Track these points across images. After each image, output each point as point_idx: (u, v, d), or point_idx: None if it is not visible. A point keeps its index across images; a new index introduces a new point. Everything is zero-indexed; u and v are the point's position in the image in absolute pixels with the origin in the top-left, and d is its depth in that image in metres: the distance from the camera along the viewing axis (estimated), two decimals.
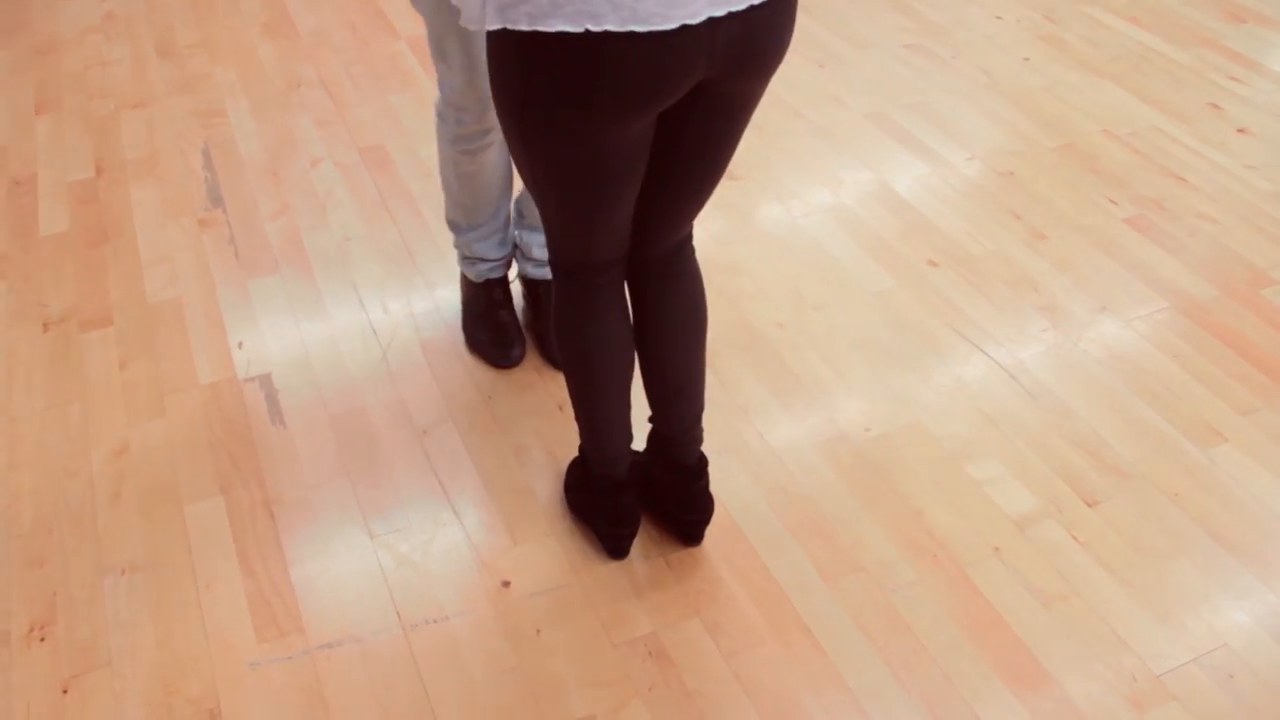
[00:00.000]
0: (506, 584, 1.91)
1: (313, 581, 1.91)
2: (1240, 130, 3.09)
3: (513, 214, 2.32)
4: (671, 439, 1.86)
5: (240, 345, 2.35)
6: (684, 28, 1.26)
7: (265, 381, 2.27)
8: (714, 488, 2.07)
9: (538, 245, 2.29)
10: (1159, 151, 2.97)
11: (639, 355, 1.78)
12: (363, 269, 2.55)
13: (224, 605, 1.87)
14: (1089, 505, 2.04)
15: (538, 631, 1.84)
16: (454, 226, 2.29)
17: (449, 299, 2.47)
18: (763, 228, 2.70)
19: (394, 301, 2.47)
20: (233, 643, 1.82)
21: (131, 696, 1.74)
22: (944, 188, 2.84)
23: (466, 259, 2.31)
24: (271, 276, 2.52)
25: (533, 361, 2.32)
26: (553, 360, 2.31)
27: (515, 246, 2.35)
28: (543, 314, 2.35)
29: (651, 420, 1.88)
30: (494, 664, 1.79)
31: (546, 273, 2.33)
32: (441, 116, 2.07)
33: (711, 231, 2.68)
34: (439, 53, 1.95)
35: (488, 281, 2.33)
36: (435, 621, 1.85)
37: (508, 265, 2.35)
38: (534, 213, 2.27)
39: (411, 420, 2.19)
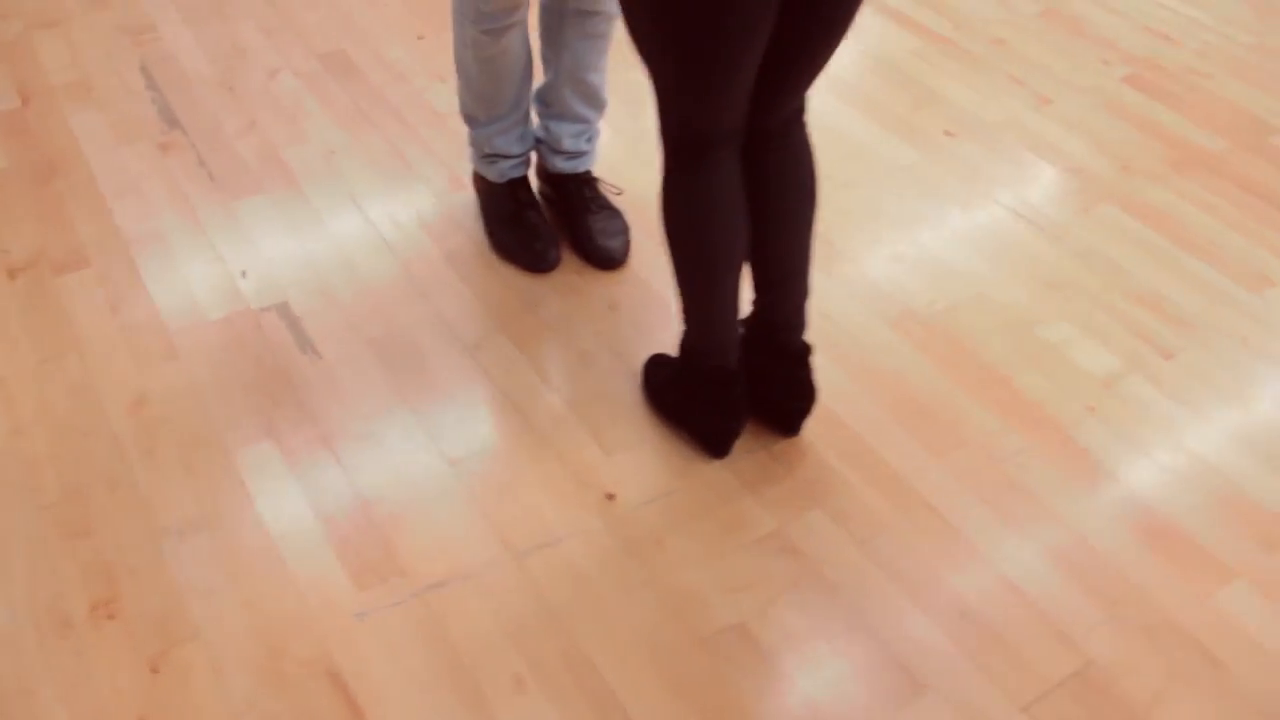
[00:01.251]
0: (611, 497, 1.79)
1: (399, 519, 1.75)
2: None
3: (534, 107, 2.15)
4: (778, 324, 1.76)
5: (244, 274, 2.12)
6: None
7: (283, 310, 2.06)
8: None
9: (569, 136, 2.13)
10: (1139, 12, 2.98)
11: (751, 235, 1.67)
12: (358, 181, 2.34)
13: (308, 556, 1.69)
14: (1165, 358, 2.04)
15: (659, 543, 1.73)
16: (471, 121, 2.11)
17: (463, 204, 2.29)
18: None
19: (401, 212, 2.27)
20: (331, 595, 1.65)
21: (233, 666, 1.56)
22: (942, 58, 2.78)
23: (486, 156, 2.13)
24: (258, 197, 2.28)
25: (570, 263, 2.17)
26: (594, 258, 2.16)
27: (537, 141, 2.18)
28: (574, 211, 2.19)
29: (755, 304, 1.77)
30: (623, 582, 1.68)
31: (577, 165, 2.17)
32: None
33: None
34: None
35: (510, 181, 2.16)
36: (547, 545, 1.72)
37: (528, 163, 2.18)
38: (562, 102, 2.10)
39: (457, 336, 2.02)
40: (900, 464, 1.85)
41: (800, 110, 1.61)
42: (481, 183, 2.20)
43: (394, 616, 1.63)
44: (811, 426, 1.89)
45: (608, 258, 2.14)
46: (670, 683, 1.56)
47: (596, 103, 2.12)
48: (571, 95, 2.08)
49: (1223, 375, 2.02)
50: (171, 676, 1.55)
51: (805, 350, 1.79)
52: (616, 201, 2.26)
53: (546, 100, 2.12)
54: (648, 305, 2.10)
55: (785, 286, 1.72)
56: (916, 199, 2.36)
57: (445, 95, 2.59)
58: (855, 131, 2.54)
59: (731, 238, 1.60)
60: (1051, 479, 1.83)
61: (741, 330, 1.79)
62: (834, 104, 2.63)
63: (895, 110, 2.60)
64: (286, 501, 1.76)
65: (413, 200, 2.30)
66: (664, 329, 2.05)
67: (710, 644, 1.60)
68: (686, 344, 1.79)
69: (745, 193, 1.62)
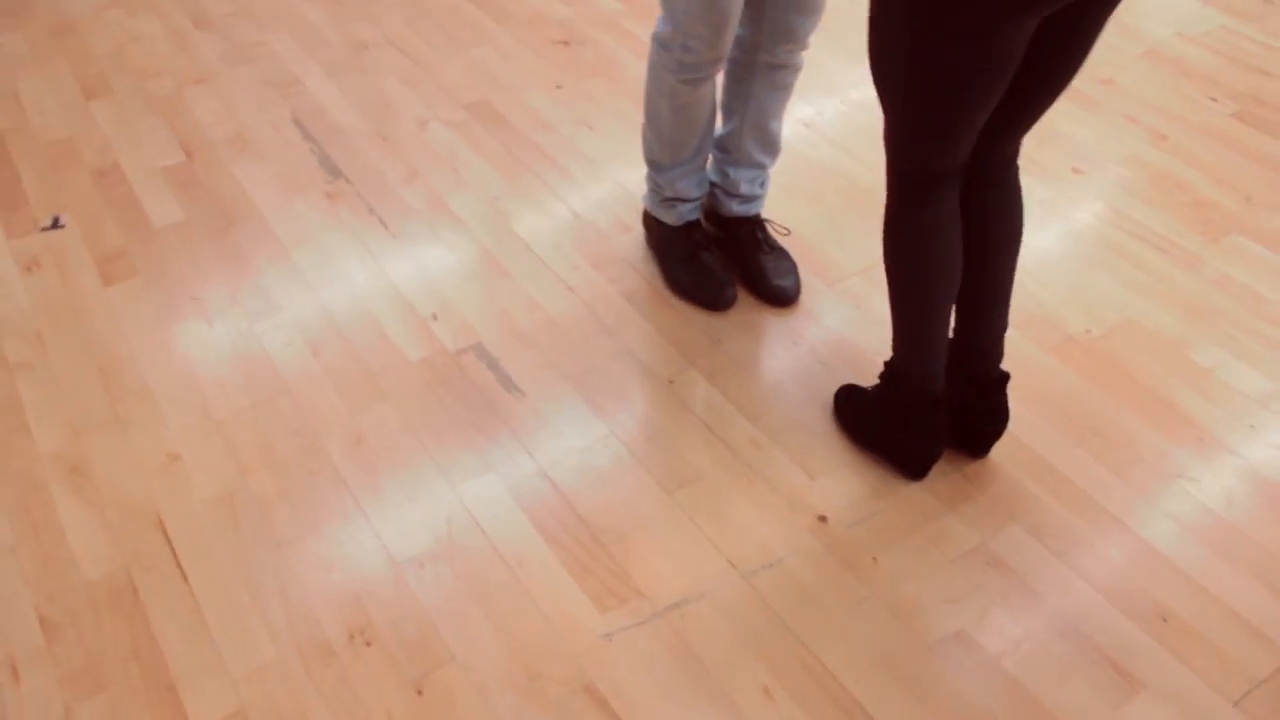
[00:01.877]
0: (823, 519, 1.90)
1: (627, 544, 1.85)
2: None
3: (712, 156, 2.27)
4: (981, 351, 1.88)
5: (434, 317, 2.23)
6: None
7: (480, 351, 2.17)
8: None
9: (745, 181, 2.25)
10: (1234, 49, 3.13)
11: (964, 267, 1.79)
12: (525, 225, 2.45)
13: (546, 582, 1.80)
14: None
15: (874, 559, 1.84)
16: (655, 166, 2.23)
17: (630, 246, 2.40)
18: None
19: (574, 254, 2.38)
20: (575, 617, 1.75)
21: (494, 686, 1.66)
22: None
23: (666, 200, 2.26)
24: (433, 244, 2.40)
25: (745, 300, 2.29)
26: (769, 297, 2.27)
27: (711, 185, 2.30)
28: (746, 251, 2.31)
29: (957, 333, 1.89)
30: (846, 596, 1.79)
31: (750, 209, 2.30)
32: (665, 46, 2.01)
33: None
34: None
35: (687, 224, 2.28)
36: (771, 565, 1.83)
37: (702, 206, 2.31)
38: (742, 149, 2.22)
39: (650, 370, 2.13)
40: (1084, 481, 1.97)
41: (1016, 152, 1.74)
42: (656, 225, 2.32)
43: (639, 636, 1.73)
44: (997, 449, 2.01)
45: (783, 296, 2.26)
46: (906, 686, 1.67)
47: (774, 149, 2.24)
48: (752, 143, 2.21)
49: None
50: (437, 697, 1.65)
51: (1004, 377, 1.91)
52: (784, 242, 2.38)
53: (726, 148, 2.25)
54: (826, 338, 2.22)
55: (990, 317, 1.84)
56: (1055, 232, 2.49)
57: (594, 141, 2.72)
58: None
59: (952, 269, 1.72)
60: (1228, 493, 1.95)
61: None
62: None
63: (1022, 149, 2.74)
64: (514, 529, 1.86)
65: (583, 243, 2.42)
66: (844, 361, 2.17)
67: (937, 650, 1.71)
68: (897, 370, 1.90)
69: (964, 227, 1.74)
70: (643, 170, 2.58)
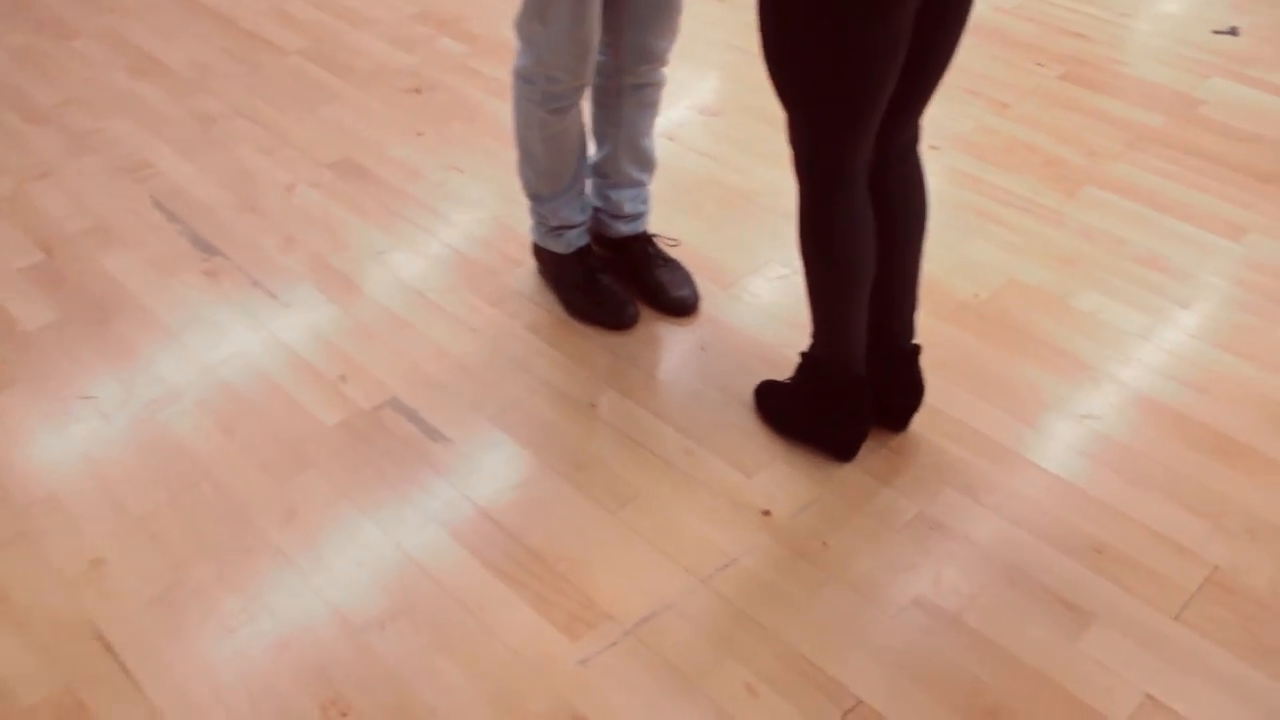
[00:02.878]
0: (768, 513, 1.94)
1: (586, 570, 1.85)
2: None
3: (591, 182, 2.30)
4: (894, 332, 1.95)
5: (344, 378, 2.19)
6: None
7: (397, 405, 2.14)
8: None
9: (629, 201, 2.29)
10: (1047, 16, 3.33)
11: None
12: (415, 275, 2.43)
13: (512, 620, 1.78)
14: (1183, 307, 2.33)
15: (824, 543, 1.89)
16: (536, 198, 2.25)
17: (523, 279, 2.41)
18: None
19: (469, 295, 2.37)
20: (547, 649, 1.74)
21: None
22: None
23: (553, 230, 2.27)
24: (326, 307, 2.35)
25: (648, 316, 2.32)
26: (670, 309, 2.31)
27: (595, 210, 2.33)
28: (641, 269, 2.34)
29: (871, 315, 1.94)
30: (805, 582, 1.83)
31: (637, 226, 2.33)
32: (528, 79, 2.04)
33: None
34: (538, 15, 1.93)
35: (578, 250, 2.30)
36: (727, 566, 1.86)
37: (590, 229, 2.33)
38: (620, 171, 2.26)
39: (570, 399, 2.14)
40: (1000, 435, 2.06)
41: (916, 138, 1.81)
42: (548, 255, 2.33)
43: (614, 656, 1.73)
44: (917, 419, 2.08)
45: (684, 306, 2.30)
46: (880, 658, 1.72)
47: (650, 165, 2.29)
48: (629, 163, 2.25)
49: (1237, 315, 2.31)
50: None
51: (915, 351, 1.98)
52: (675, 253, 2.42)
53: (604, 172, 2.28)
54: (733, 340, 2.27)
55: (902, 298, 1.91)
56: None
57: (465, 183, 2.72)
58: None
59: (868, 259, 1.79)
60: (1123, 421, 2.08)
61: None
62: None
63: None
64: (468, 574, 1.84)
65: (477, 283, 2.41)
66: (755, 359, 2.22)
67: (901, 619, 1.77)
68: (818, 358, 1.96)
69: (875, 217, 1.81)
70: (521, 204, 2.58)
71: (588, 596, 1.81)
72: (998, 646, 1.73)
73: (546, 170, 2.18)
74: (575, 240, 2.29)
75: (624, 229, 2.33)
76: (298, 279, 2.43)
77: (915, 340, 1.99)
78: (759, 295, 2.37)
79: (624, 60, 2.13)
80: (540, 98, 2.05)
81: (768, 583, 1.83)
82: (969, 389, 2.15)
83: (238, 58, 3.25)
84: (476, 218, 2.61)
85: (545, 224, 2.27)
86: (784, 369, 2.17)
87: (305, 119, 2.97)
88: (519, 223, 2.57)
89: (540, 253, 2.36)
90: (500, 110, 2.99)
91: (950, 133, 2.86)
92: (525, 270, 2.44)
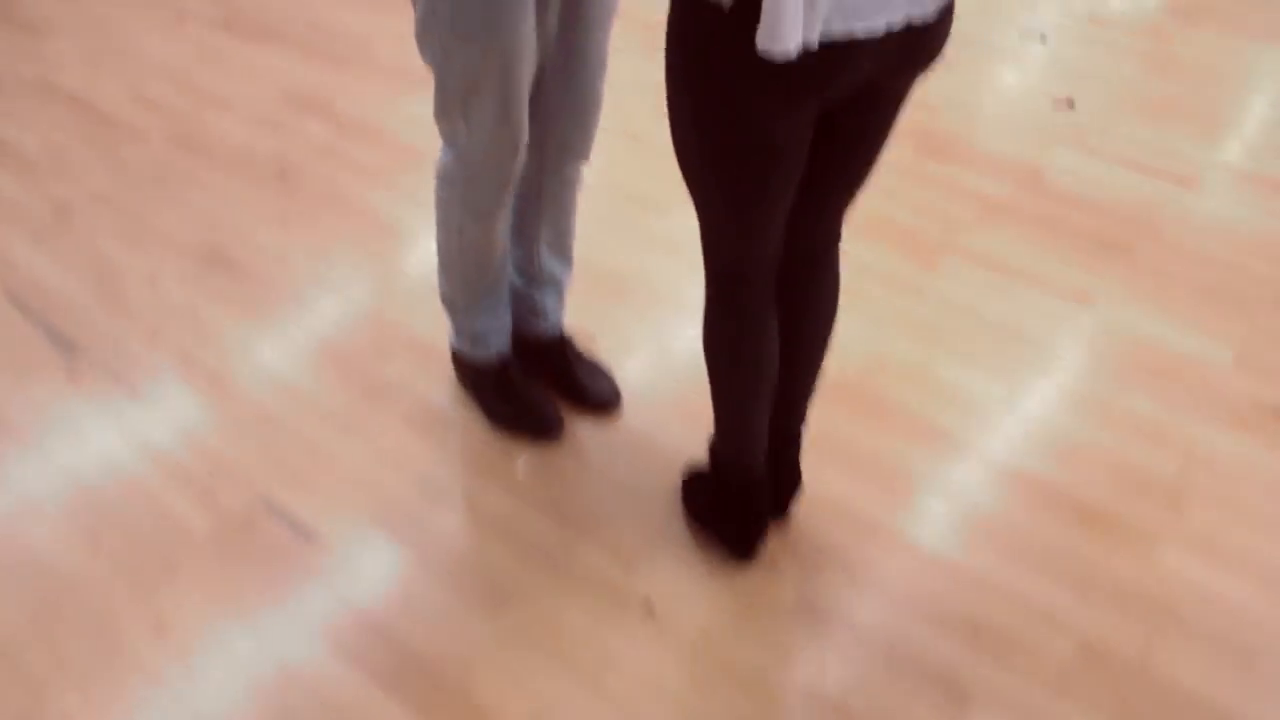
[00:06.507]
0: (650, 607, 1.94)
1: (471, 675, 1.83)
2: None
3: (517, 282, 2.23)
4: (787, 431, 1.95)
5: (211, 477, 2.14)
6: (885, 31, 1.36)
7: (268, 504, 2.08)
8: None
9: (550, 299, 2.24)
10: None
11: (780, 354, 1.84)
12: (287, 368, 2.39)
13: None
14: (1041, 375, 2.43)
15: (705, 634, 1.90)
16: (453, 308, 2.17)
17: (401, 371, 2.39)
18: None
19: (346, 389, 2.34)
20: None
21: None
22: None
23: (473, 339, 2.20)
24: (193, 403, 2.30)
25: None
26: (595, 406, 2.28)
27: (514, 309, 2.26)
28: (561, 369, 2.29)
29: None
30: (693, 678, 1.84)
31: (556, 327, 2.29)
32: (450, 182, 1.95)
33: None
34: (460, 106, 1.80)
35: (500, 356, 2.23)
36: (612, 666, 1.85)
37: (510, 332, 2.25)
38: (543, 271, 2.20)
39: (449, 493, 2.13)
40: (876, 513, 2.10)
41: (838, 234, 1.81)
42: (466, 363, 2.25)
43: None
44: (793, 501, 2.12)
45: (606, 403, 2.28)
46: None
47: (570, 262, 2.24)
48: (552, 261, 2.19)
49: (1090, 383, 2.42)
50: None
51: (795, 439, 1.99)
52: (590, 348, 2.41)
53: (527, 272, 2.20)
54: (611, 426, 2.29)
55: (799, 400, 1.92)
56: None
57: (335, 271, 2.68)
58: None
59: (769, 365, 1.78)
60: (992, 492, 2.16)
61: None
62: None
63: None
64: (351, 688, 1.81)
65: (349, 375, 2.38)
66: (632, 445, 2.24)
67: (792, 709, 1.79)
68: (717, 455, 1.96)
69: (780, 316, 1.78)
70: (393, 292, 2.58)
71: (471, 701, 1.79)
72: None
73: (467, 280, 2.10)
74: (495, 346, 2.21)
75: (544, 328, 2.27)
76: (163, 375, 2.37)
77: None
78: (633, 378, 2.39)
79: (547, 160, 2.04)
80: (462, 201, 1.96)
81: (653, 681, 1.83)
82: (842, 468, 2.20)
83: (95, 142, 3.17)
84: (346, 308, 2.58)
85: (464, 333, 2.20)
86: (664, 459, 2.18)
87: (168, 206, 2.90)
88: (390, 311, 2.55)
89: (458, 360, 2.28)
90: (367, 195, 2.97)
91: None
92: (402, 362, 2.42)
